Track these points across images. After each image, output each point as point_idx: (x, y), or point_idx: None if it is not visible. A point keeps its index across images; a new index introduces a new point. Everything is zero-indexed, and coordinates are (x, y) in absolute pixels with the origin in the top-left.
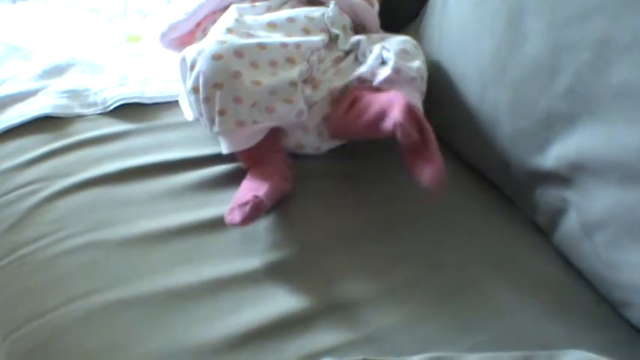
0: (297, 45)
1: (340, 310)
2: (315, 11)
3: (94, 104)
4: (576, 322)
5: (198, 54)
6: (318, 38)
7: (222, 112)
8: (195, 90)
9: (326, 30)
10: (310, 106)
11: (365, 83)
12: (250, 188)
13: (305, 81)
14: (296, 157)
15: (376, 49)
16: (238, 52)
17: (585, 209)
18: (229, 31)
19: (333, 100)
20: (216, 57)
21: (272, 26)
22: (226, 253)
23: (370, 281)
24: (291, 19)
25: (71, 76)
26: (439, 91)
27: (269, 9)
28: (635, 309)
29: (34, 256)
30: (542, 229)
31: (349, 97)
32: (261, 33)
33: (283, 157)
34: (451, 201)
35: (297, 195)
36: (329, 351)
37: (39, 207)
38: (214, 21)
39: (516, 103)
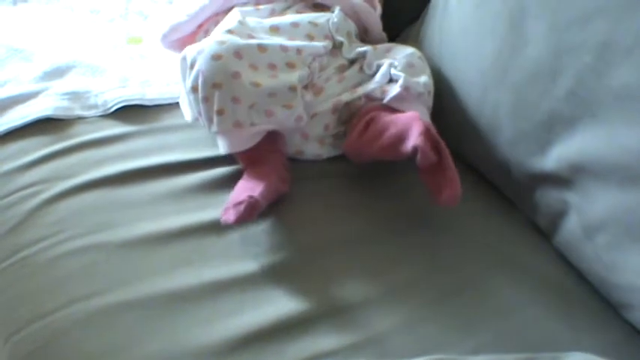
0: (299, 50)
1: (340, 312)
2: (319, 17)
3: (95, 106)
4: (577, 322)
5: (198, 53)
6: (320, 44)
7: (220, 112)
8: (194, 89)
9: (330, 37)
10: (312, 115)
11: (373, 101)
12: (246, 188)
13: (305, 87)
14: (295, 158)
15: (384, 66)
16: (238, 52)
17: (586, 211)
18: (230, 32)
19: (335, 110)
20: (216, 57)
21: (275, 30)
22: (227, 256)
23: (370, 282)
24: (294, 24)
25: (72, 77)
26: (440, 93)
27: (273, 12)
28: (635, 310)
29: (35, 258)
30: (542, 230)
31: (363, 118)
32: (264, 36)
33: (282, 158)
34: None
35: (297, 197)
36: (329, 354)
37: (40, 209)
38: (217, 23)
39: (517, 105)
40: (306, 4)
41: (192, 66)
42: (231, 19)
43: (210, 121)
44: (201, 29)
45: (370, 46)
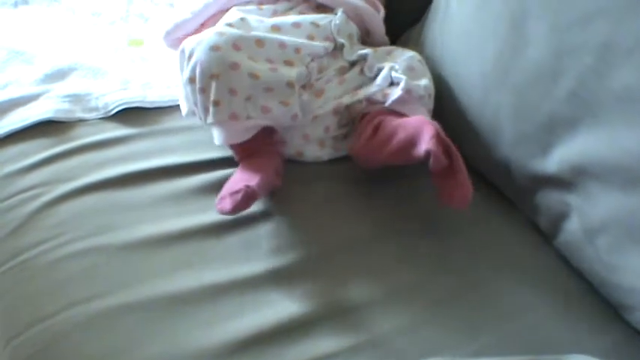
0: (297, 49)
1: (342, 314)
2: (322, 18)
3: (96, 109)
4: (578, 324)
5: (197, 44)
6: (319, 44)
7: (216, 103)
8: (191, 80)
9: (331, 38)
10: (313, 118)
11: (374, 104)
12: (242, 179)
13: (303, 86)
14: (295, 160)
15: (385, 69)
16: (236, 44)
17: (587, 213)
18: (231, 25)
19: (336, 112)
20: (215, 48)
21: (276, 29)
22: (227, 258)
23: (372, 284)
24: (296, 24)
25: (73, 80)
26: (441, 95)
27: (275, 13)
28: (636, 312)
29: (36, 261)
30: (543, 231)
31: (369, 123)
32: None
33: (277, 152)
34: None
35: (299, 198)
36: (329, 356)
37: (40, 212)
38: None
39: (519, 107)
40: (309, 5)
41: (190, 57)
42: (234, 16)
43: (206, 112)
44: (204, 28)
45: (371, 49)
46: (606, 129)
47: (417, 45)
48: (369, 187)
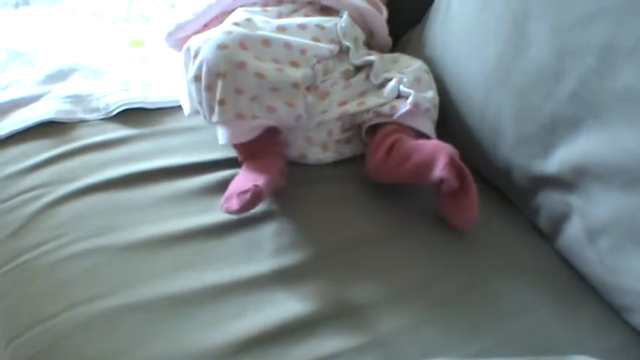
0: (303, 50)
1: (345, 314)
2: (327, 21)
3: (97, 109)
4: (579, 325)
5: (204, 42)
6: (325, 46)
7: (222, 102)
8: (197, 78)
9: (337, 41)
10: (318, 123)
11: (381, 116)
12: (248, 178)
13: (308, 88)
14: (298, 162)
15: (392, 81)
16: (243, 43)
17: (589, 214)
18: (237, 25)
19: (340, 118)
20: (222, 46)
21: (282, 30)
22: (229, 259)
23: (375, 285)
24: (302, 26)
25: (74, 81)
26: (442, 95)
27: (280, 15)
28: (637, 313)
29: (37, 262)
30: (544, 232)
31: (385, 140)
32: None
33: (282, 152)
34: None
35: (302, 199)
36: (332, 356)
37: (42, 212)
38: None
39: (520, 107)
40: (314, 7)
41: (196, 55)
42: (240, 16)
43: (211, 110)
44: (207, 29)
45: (377, 56)
46: (608, 130)
47: (418, 45)
48: (372, 188)
